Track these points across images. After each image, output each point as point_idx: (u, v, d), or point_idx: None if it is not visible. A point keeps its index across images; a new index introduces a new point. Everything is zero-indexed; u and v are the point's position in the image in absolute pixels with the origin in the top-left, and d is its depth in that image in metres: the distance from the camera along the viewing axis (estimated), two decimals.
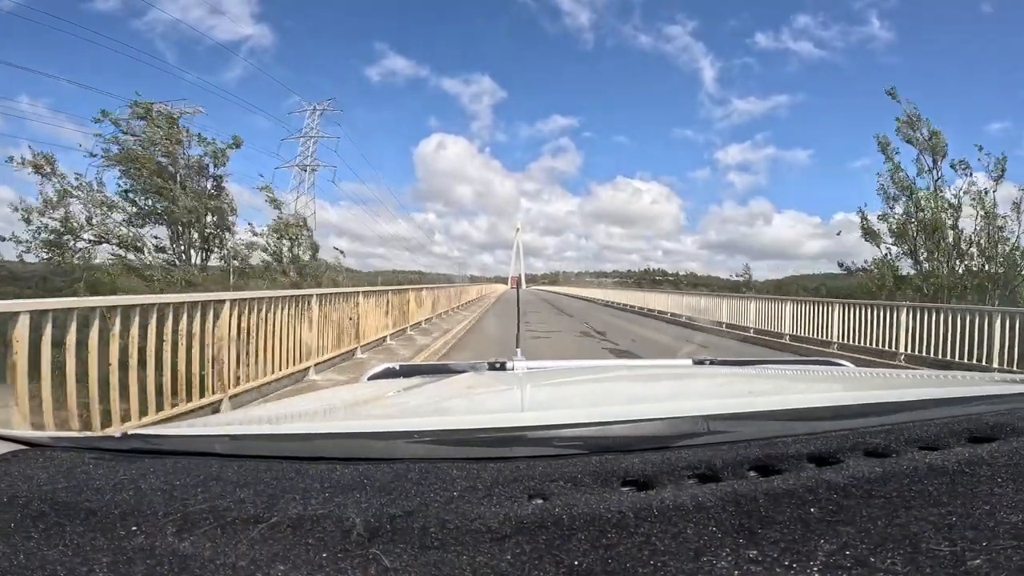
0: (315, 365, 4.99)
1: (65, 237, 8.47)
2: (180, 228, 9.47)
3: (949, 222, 10.74)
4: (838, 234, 13.51)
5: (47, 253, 8.40)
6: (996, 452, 0.46)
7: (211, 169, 10.23)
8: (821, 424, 0.55)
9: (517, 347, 1.54)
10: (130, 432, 0.55)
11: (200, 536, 0.36)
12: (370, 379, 1.20)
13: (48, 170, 8.55)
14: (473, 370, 1.19)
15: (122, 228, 8.87)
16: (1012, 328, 5.57)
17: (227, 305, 3.65)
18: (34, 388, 2.22)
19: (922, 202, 10.91)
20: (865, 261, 12.06)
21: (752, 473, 0.45)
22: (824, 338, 8.35)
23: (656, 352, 7.63)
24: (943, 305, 6.87)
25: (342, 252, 14.15)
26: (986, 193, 10.53)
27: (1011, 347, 5.54)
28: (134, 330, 2.83)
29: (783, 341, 9.27)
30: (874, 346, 7.30)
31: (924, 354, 6.48)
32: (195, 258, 9.83)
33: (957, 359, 6.05)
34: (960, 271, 10.59)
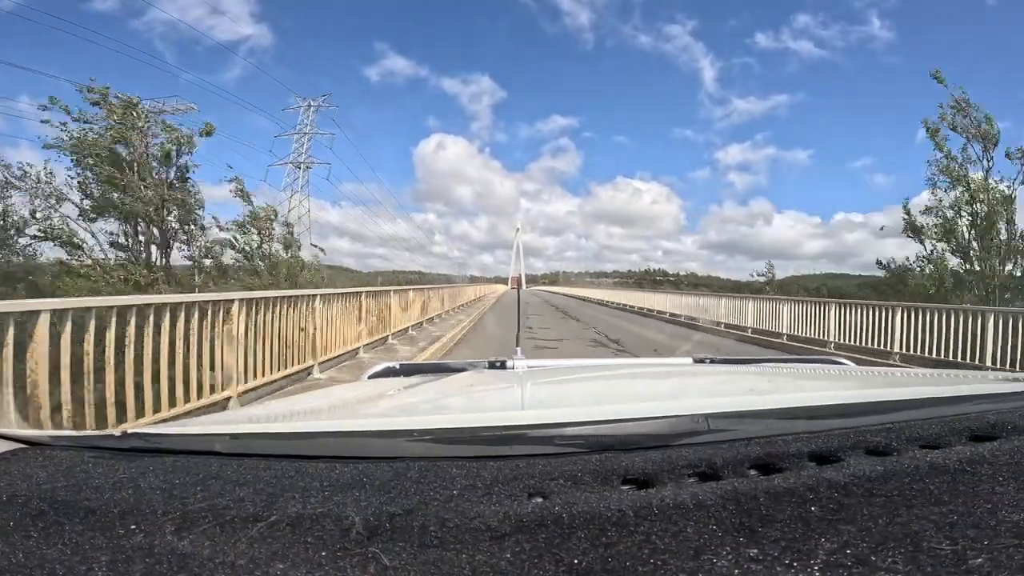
0: (238, 396, 3.66)
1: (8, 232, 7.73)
2: (137, 223, 8.53)
3: (1005, 216, 9.62)
4: (881, 229, 12.33)
5: None
6: (997, 451, 0.46)
7: (178, 158, 9.15)
8: (822, 423, 0.55)
9: (517, 346, 1.54)
10: (129, 431, 0.55)
11: (199, 535, 0.36)
12: (370, 378, 1.20)
13: None
14: (473, 368, 1.19)
15: (66, 223, 7.98)
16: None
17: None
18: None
19: (980, 195, 9.65)
20: (907, 259, 11.02)
21: (753, 472, 0.45)
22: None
23: None
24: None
25: (321, 249, 12.85)
26: None
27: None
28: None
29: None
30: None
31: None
32: (156, 256, 8.88)
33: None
34: (1017, 272, 9.64)
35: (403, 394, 0.90)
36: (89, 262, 7.88)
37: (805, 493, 0.39)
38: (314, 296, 5.14)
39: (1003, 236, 9.71)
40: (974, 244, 9.95)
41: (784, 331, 9.39)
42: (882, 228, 11.93)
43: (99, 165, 7.97)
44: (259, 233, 10.21)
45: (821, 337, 8.40)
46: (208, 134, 9.73)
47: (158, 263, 8.75)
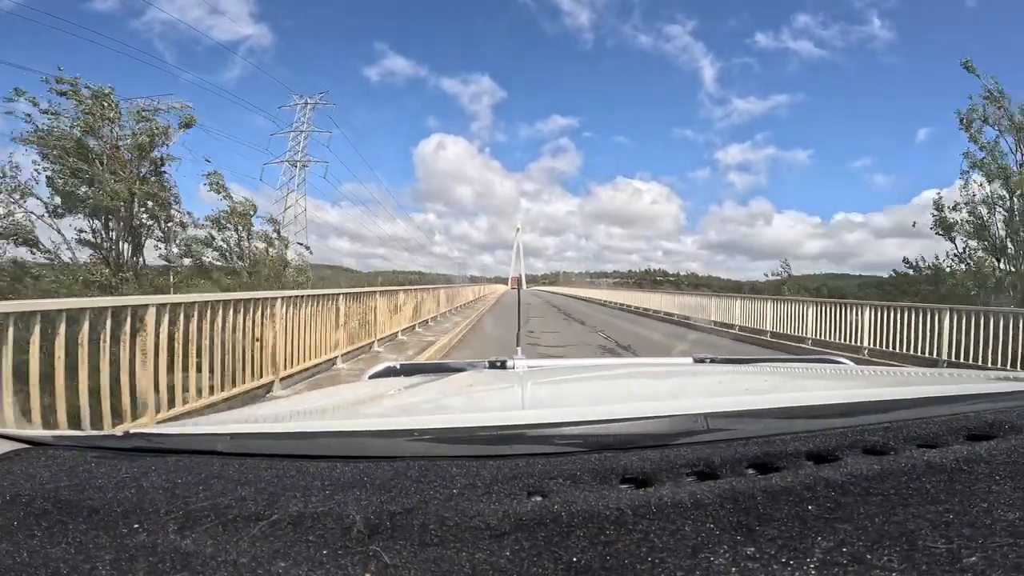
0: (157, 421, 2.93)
1: None
2: (108, 219, 7.76)
3: None
4: (914, 225, 11.14)
5: None
6: (994, 450, 0.46)
7: (152, 150, 8.24)
8: (820, 422, 0.55)
9: (517, 346, 1.54)
10: (132, 431, 0.56)
11: (201, 533, 0.37)
12: (371, 378, 1.20)
13: None
14: (473, 368, 1.20)
15: (30, 219, 7.26)
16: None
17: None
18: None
19: (1018, 189, 9.09)
20: (936, 258, 10.62)
21: (751, 471, 0.45)
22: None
23: None
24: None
25: (307, 247, 11.97)
26: None
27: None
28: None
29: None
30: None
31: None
32: (128, 253, 8.06)
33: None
34: None
35: (403, 394, 0.90)
36: (44, 261, 7.22)
37: (802, 492, 0.39)
38: (274, 299, 4.37)
39: None
40: (1009, 243, 9.50)
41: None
42: (914, 224, 11.10)
43: (64, 158, 7.30)
44: (236, 229, 9.43)
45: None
46: (188, 125, 9.03)
47: (128, 262, 7.97)
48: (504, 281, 66.06)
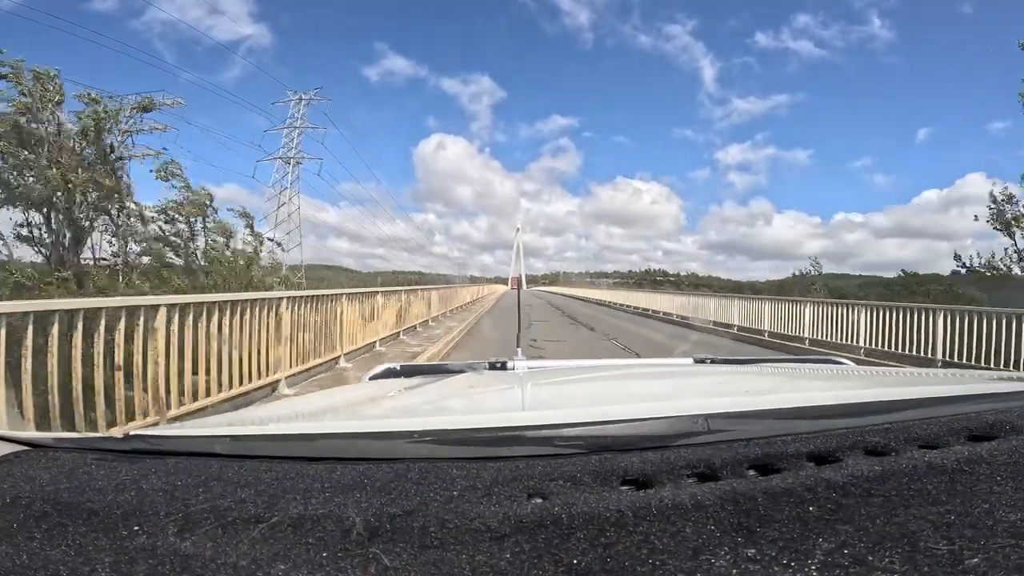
0: None
1: None
2: (50, 211, 6.92)
3: None
4: (975, 219, 10.22)
5: None
6: (995, 450, 0.46)
7: (100, 136, 7.34)
8: (820, 423, 0.55)
9: (517, 347, 1.54)
10: (131, 433, 0.56)
11: (201, 536, 0.37)
12: (371, 379, 1.20)
13: None
14: (473, 370, 1.20)
15: None
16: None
17: None
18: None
19: None
20: (993, 256, 10.03)
21: (751, 472, 0.45)
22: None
23: None
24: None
25: (279, 244, 10.52)
26: None
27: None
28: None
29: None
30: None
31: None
32: (71, 248, 7.25)
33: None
34: None
35: (403, 395, 0.90)
36: None
37: (803, 493, 0.39)
38: (156, 306, 3.10)
39: None
40: None
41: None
42: (976, 218, 10.32)
43: None
44: (189, 222, 8.24)
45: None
46: (147, 109, 8.32)
47: (69, 260, 7.03)
48: (504, 281, 66.04)
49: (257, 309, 4.15)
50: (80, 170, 7.09)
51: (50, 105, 7.16)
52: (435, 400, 0.88)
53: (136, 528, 0.38)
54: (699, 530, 0.35)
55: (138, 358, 2.92)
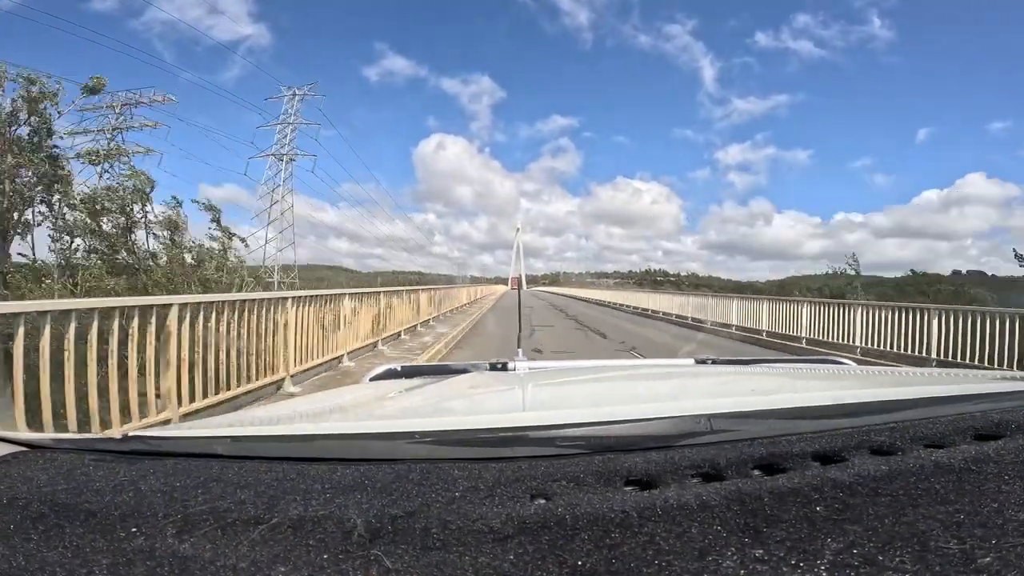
0: None
1: None
2: None
3: None
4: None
5: None
6: (1002, 449, 0.46)
7: (30, 117, 6.31)
8: (826, 422, 0.55)
9: (518, 347, 1.54)
10: (130, 434, 0.55)
11: (200, 537, 0.36)
12: (371, 380, 1.20)
13: None
14: (474, 370, 1.19)
15: None
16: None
17: None
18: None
19: None
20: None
21: (756, 472, 0.45)
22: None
23: None
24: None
25: (242, 240, 8.69)
26: None
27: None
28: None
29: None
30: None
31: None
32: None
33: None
34: None
35: (404, 396, 0.90)
36: None
37: (810, 493, 0.39)
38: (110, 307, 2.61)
39: None
40: None
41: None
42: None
43: None
44: (126, 212, 6.99)
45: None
46: (94, 91, 7.52)
47: None
48: (504, 281, 66.10)
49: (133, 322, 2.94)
50: (10, 156, 6.23)
51: None
52: (436, 401, 0.88)
53: (134, 529, 0.37)
54: (705, 530, 0.35)
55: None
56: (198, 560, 0.34)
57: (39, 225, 6.80)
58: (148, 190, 7.31)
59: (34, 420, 2.43)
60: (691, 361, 1.31)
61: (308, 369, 4.98)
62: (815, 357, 1.60)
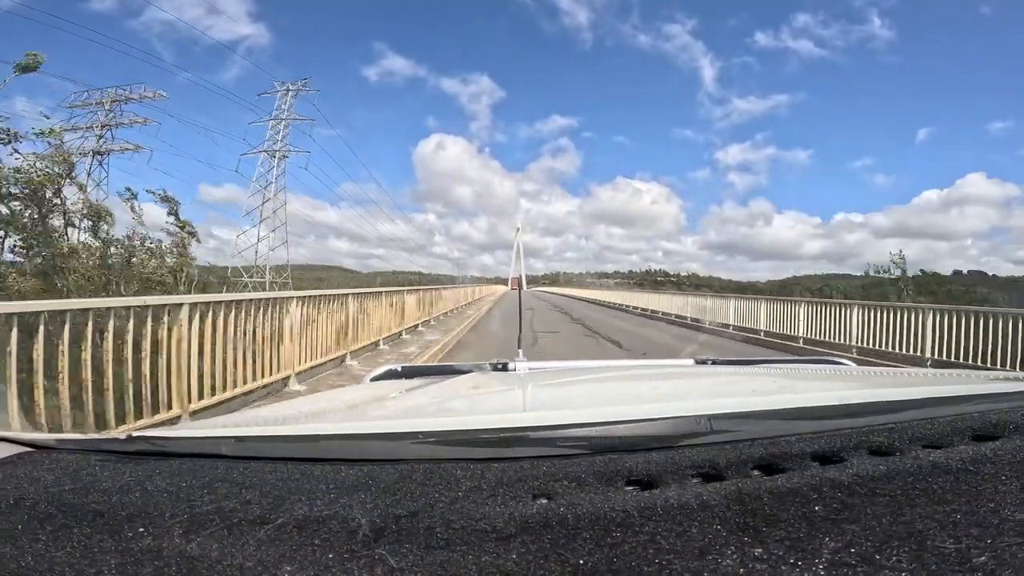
0: None
1: None
2: None
3: None
4: None
5: None
6: (1000, 450, 0.46)
7: None
8: (824, 423, 0.55)
9: (519, 348, 1.54)
10: (135, 434, 0.56)
11: (207, 537, 0.37)
12: (372, 380, 1.20)
13: None
14: (475, 370, 1.20)
15: None
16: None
17: None
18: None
19: None
20: None
21: (756, 472, 0.45)
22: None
23: None
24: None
25: (192, 234, 7.52)
26: None
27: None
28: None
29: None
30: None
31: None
32: None
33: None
34: None
35: (406, 396, 0.90)
36: None
37: (809, 493, 0.39)
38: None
39: None
40: None
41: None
42: None
43: None
44: (38, 203, 5.87)
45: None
46: (29, 69, 6.69)
47: None
48: (504, 281, 65.97)
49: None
50: None
51: None
52: (438, 401, 0.88)
53: (141, 530, 0.38)
54: (705, 530, 0.35)
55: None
56: (205, 560, 0.34)
57: None
58: (65, 174, 6.05)
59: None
60: (691, 361, 1.31)
61: (278, 380, 3.97)
62: (815, 357, 1.60)
